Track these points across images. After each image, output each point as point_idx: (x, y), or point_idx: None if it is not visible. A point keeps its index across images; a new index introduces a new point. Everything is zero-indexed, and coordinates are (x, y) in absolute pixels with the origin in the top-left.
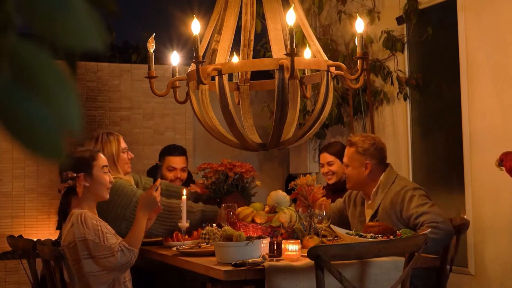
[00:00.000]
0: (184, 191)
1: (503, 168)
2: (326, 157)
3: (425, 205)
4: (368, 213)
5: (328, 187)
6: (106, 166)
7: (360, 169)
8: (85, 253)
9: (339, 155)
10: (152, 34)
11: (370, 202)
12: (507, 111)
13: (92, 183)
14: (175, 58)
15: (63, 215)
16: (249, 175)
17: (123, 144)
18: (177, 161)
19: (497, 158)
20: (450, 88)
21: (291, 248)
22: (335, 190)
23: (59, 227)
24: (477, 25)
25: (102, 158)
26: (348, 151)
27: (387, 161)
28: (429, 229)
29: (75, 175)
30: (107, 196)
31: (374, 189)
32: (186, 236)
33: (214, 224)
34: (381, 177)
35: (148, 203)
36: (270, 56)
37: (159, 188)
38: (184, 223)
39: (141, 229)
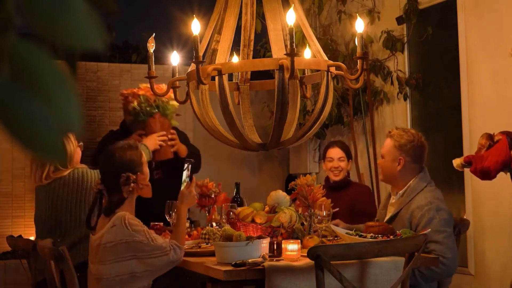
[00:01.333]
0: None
1: (463, 169)
2: (338, 152)
3: (441, 234)
4: (390, 210)
5: (326, 184)
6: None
7: (393, 163)
8: (129, 254)
9: (347, 153)
10: (152, 34)
11: (394, 201)
12: (507, 111)
13: (144, 181)
14: (175, 58)
15: (108, 211)
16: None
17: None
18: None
19: (460, 160)
20: (450, 88)
21: (291, 248)
22: (336, 188)
23: (90, 227)
24: (477, 25)
25: (142, 152)
26: (386, 143)
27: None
28: (429, 230)
29: (135, 177)
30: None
31: (401, 191)
32: (186, 236)
33: (214, 224)
34: (411, 181)
35: (190, 200)
36: (270, 56)
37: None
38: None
39: (184, 226)
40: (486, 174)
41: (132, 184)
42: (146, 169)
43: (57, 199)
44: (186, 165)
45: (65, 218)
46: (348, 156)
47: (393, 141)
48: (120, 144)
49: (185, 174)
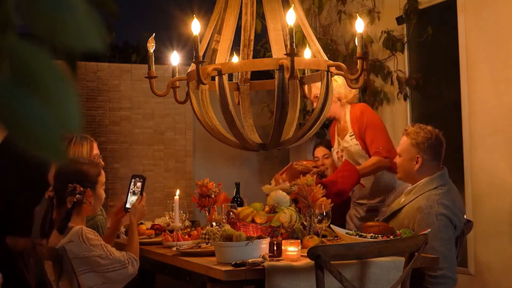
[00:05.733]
0: (177, 192)
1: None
2: (323, 150)
3: (438, 241)
4: (395, 205)
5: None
6: (104, 182)
7: (411, 162)
8: (84, 268)
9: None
10: (152, 34)
11: (403, 200)
12: (507, 111)
13: (94, 200)
14: (175, 58)
15: (61, 228)
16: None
17: (96, 150)
18: None
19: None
20: (450, 88)
21: (291, 248)
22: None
23: (44, 234)
24: (477, 25)
25: (103, 174)
26: (402, 141)
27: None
28: (429, 229)
29: (82, 189)
30: (98, 212)
31: (410, 187)
32: (186, 236)
33: (214, 224)
34: (423, 180)
35: (141, 214)
36: (270, 56)
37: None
38: (177, 223)
39: (137, 238)
40: (341, 195)
41: (77, 196)
42: (100, 191)
43: None
44: (133, 181)
45: None
46: None
47: (409, 139)
48: (82, 158)
49: (132, 187)
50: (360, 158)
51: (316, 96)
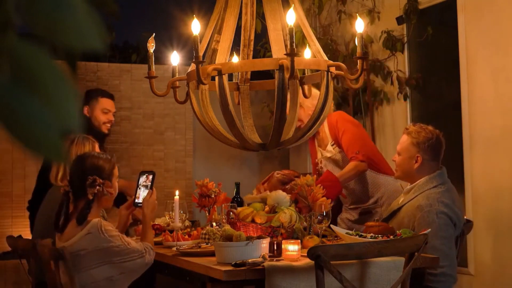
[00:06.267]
0: (177, 192)
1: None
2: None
3: (439, 240)
4: (394, 204)
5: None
6: (118, 175)
7: (410, 161)
8: (101, 260)
9: None
10: (152, 34)
11: (402, 199)
12: (507, 111)
13: (110, 189)
14: (175, 58)
15: (80, 219)
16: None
17: (98, 151)
18: (111, 104)
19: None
20: (450, 88)
21: (291, 248)
22: None
23: (58, 228)
24: (477, 25)
25: (116, 167)
26: (402, 139)
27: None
28: (429, 229)
29: (102, 181)
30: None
31: (409, 187)
32: (186, 236)
33: (214, 224)
34: (423, 179)
35: (154, 208)
36: (270, 56)
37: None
38: (177, 223)
39: (151, 230)
40: None
41: (97, 187)
42: (115, 183)
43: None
44: (143, 177)
45: None
46: None
47: (410, 138)
48: (96, 152)
49: (142, 182)
50: (346, 165)
51: (301, 119)
